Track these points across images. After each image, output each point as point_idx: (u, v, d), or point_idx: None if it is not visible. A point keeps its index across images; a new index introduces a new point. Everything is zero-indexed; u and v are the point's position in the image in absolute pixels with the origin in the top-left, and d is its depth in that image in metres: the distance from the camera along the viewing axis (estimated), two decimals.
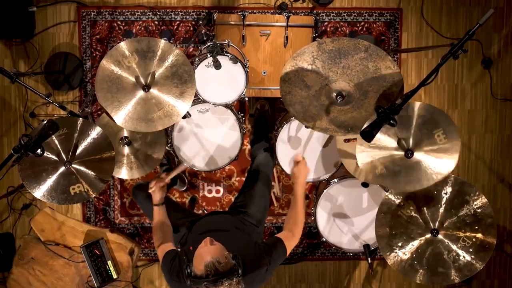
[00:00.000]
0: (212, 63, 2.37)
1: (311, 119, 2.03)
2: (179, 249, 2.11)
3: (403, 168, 1.98)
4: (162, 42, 2.11)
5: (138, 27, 3.21)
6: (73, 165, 2.11)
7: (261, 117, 3.10)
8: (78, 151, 2.12)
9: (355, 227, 2.65)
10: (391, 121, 1.75)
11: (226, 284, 1.67)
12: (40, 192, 2.11)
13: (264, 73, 2.78)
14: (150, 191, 2.26)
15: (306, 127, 2.08)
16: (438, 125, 1.94)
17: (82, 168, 2.12)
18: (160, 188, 2.27)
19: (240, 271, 1.71)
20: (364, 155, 1.98)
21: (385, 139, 1.98)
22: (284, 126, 2.62)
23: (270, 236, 3.29)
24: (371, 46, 1.94)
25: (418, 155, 1.97)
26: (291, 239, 2.04)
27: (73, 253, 3.02)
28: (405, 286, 3.43)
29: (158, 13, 3.20)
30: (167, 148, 2.57)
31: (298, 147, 2.66)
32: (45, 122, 1.91)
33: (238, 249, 1.86)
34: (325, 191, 2.61)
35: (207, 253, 1.73)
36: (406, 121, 1.95)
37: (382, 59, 1.95)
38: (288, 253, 2.00)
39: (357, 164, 2.05)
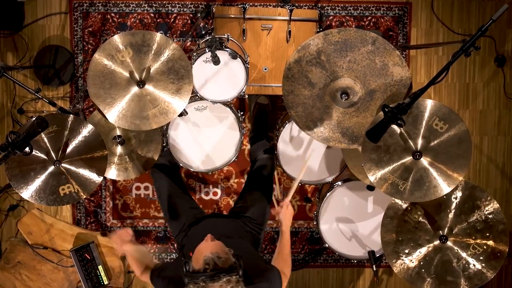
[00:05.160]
0: (211, 58, 2.37)
1: (314, 125, 2.04)
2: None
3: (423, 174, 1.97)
4: (158, 36, 2.12)
5: (132, 19, 3.21)
6: (63, 165, 2.11)
7: (260, 115, 3.10)
8: (69, 149, 2.12)
9: (360, 233, 2.65)
10: (399, 122, 1.75)
11: (224, 279, 1.67)
12: (28, 192, 2.11)
13: (265, 69, 2.78)
14: (116, 246, 2.18)
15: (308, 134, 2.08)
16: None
17: (73, 168, 2.13)
18: (123, 244, 2.18)
19: (240, 272, 1.72)
20: (377, 176, 1.97)
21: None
22: (286, 125, 2.62)
23: (270, 241, 3.31)
24: (378, 38, 1.94)
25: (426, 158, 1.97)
26: (284, 279, 2.03)
27: (62, 257, 3.02)
28: None
29: (154, 5, 3.20)
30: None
31: (301, 147, 2.66)
32: (34, 118, 1.91)
33: (243, 256, 1.87)
34: (328, 194, 2.61)
35: (207, 248, 1.74)
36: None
37: (390, 53, 1.96)
38: None
39: (362, 165, 2.06)
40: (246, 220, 2.37)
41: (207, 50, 2.39)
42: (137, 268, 2.14)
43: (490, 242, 2.11)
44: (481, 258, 2.12)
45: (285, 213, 2.20)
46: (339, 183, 2.61)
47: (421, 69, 3.28)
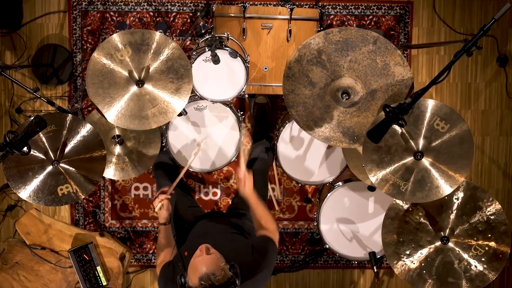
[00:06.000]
0: (211, 57, 2.37)
1: (314, 125, 2.04)
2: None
3: (425, 174, 1.97)
4: (157, 35, 2.12)
5: (132, 18, 3.21)
6: (61, 164, 2.11)
7: (260, 114, 3.10)
8: (67, 149, 2.12)
9: (361, 234, 2.65)
10: (400, 122, 1.75)
11: None
12: (26, 192, 2.11)
13: (266, 68, 2.78)
14: (157, 210, 2.19)
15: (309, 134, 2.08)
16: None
17: (71, 168, 2.12)
18: (167, 204, 2.21)
19: (238, 282, 1.72)
20: (379, 178, 1.97)
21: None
22: (286, 125, 2.62)
23: None
24: (380, 38, 1.94)
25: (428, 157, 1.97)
26: (275, 236, 2.05)
27: (60, 258, 3.02)
28: None
29: (154, 4, 3.20)
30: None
31: (301, 147, 2.66)
32: (32, 118, 1.91)
33: (236, 254, 1.87)
34: (328, 194, 2.61)
35: (202, 264, 1.73)
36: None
37: (391, 53, 1.95)
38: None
39: (363, 166, 2.05)
40: (244, 218, 2.38)
41: (207, 49, 2.39)
42: (158, 256, 2.16)
43: (492, 243, 2.11)
44: (483, 259, 2.12)
45: (245, 182, 2.15)
46: (340, 183, 2.60)
47: (423, 68, 3.28)
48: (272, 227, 2.10)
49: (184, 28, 3.21)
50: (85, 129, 2.13)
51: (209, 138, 2.66)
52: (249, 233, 2.28)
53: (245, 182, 2.14)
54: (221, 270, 1.72)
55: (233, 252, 1.87)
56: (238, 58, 2.47)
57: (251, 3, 3.14)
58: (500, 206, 2.10)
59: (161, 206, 2.17)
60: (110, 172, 2.48)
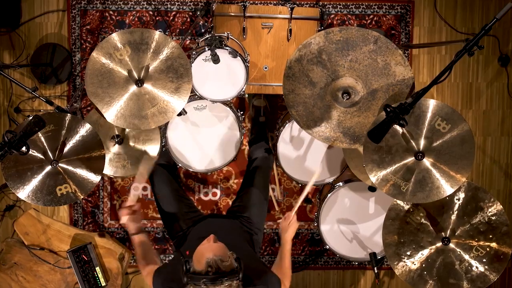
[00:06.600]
0: (210, 57, 2.37)
1: (315, 125, 2.04)
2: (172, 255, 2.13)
3: (426, 174, 1.97)
4: (157, 34, 2.11)
5: (131, 17, 3.21)
6: (60, 164, 2.11)
7: (258, 117, 3.09)
8: (66, 149, 2.12)
9: (361, 234, 2.65)
10: (401, 122, 1.75)
11: (226, 284, 1.67)
12: (24, 192, 2.11)
13: (266, 68, 2.78)
14: (121, 222, 2.13)
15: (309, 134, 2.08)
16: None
17: (70, 168, 2.12)
18: (132, 218, 2.13)
19: (241, 275, 1.72)
20: (380, 178, 1.97)
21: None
22: (286, 125, 2.62)
23: (270, 243, 3.31)
24: (380, 37, 1.94)
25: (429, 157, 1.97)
26: None
27: (59, 259, 3.02)
28: None
29: (153, 3, 3.20)
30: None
31: (301, 147, 2.66)
32: (30, 117, 1.91)
33: (242, 257, 1.87)
34: (329, 195, 2.61)
35: (210, 250, 1.73)
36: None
37: (392, 53, 1.95)
38: None
39: (363, 166, 2.05)
40: (244, 220, 2.37)
41: (206, 49, 2.39)
42: (142, 267, 2.14)
43: (493, 244, 2.11)
44: (484, 260, 2.12)
45: (287, 226, 2.18)
46: (340, 184, 2.60)
47: (424, 68, 3.27)
48: (286, 283, 2.08)
49: (183, 27, 3.21)
50: (84, 129, 2.13)
51: (208, 138, 2.66)
52: (250, 239, 2.28)
53: (292, 227, 2.16)
54: (228, 257, 1.73)
55: (238, 255, 1.87)
56: (238, 58, 2.47)
57: (251, 2, 3.14)
58: (501, 206, 2.11)
59: (127, 220, 2.12)
60: (110, 172, 2.48)
